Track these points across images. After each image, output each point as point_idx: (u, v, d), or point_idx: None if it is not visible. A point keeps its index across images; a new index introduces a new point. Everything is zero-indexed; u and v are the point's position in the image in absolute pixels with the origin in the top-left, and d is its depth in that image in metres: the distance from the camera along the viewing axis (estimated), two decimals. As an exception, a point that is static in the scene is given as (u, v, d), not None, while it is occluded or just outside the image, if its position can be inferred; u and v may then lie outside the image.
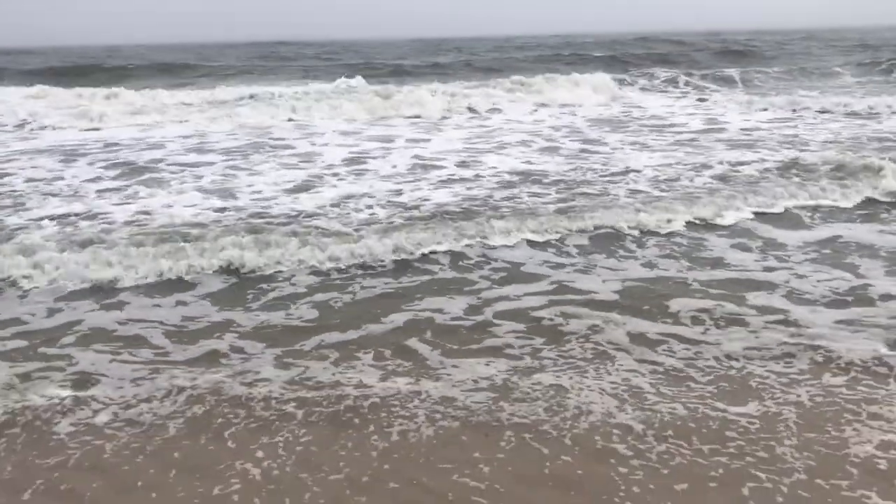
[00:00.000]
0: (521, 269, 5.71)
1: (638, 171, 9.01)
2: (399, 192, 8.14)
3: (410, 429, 3.39)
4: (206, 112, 14.43)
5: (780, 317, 4.59)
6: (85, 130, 13.53)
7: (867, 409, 3.48)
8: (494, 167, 9.51)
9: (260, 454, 3.21)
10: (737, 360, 4.05)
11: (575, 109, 16.56)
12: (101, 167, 9.86)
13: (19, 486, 3.03)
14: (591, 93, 18.23)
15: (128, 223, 6.94)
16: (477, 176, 8.95)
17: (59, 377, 3.98)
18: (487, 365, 4.04)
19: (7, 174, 9.45)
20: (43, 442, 3.35)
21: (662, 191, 8.02)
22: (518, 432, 3.32)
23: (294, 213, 7.23)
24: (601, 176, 8.86)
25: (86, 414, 3.58)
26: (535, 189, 8.19)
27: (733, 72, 23.21)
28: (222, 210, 7.45)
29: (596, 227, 6.61)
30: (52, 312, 4.97)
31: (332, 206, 7.55)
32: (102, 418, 3.54)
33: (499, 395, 3.68)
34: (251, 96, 15.64)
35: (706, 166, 9.27)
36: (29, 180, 9.03)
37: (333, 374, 3.95)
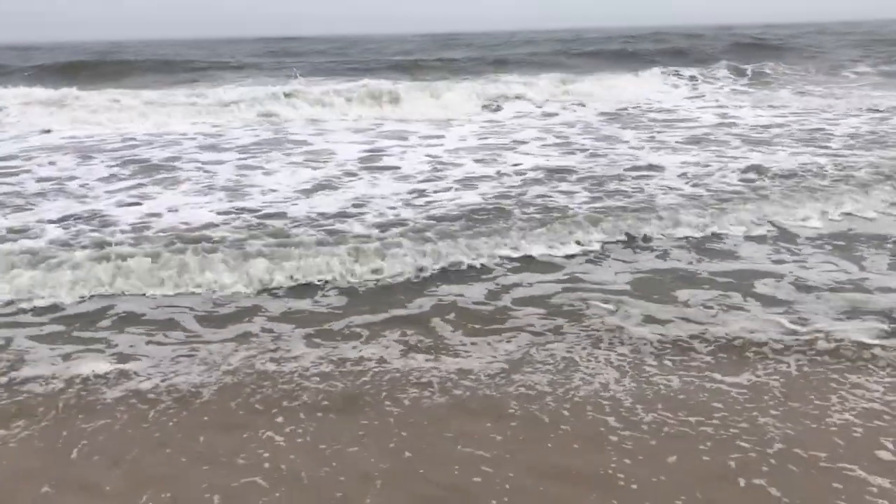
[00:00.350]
0: (534, 257, 5.97)
1: (663, 168, 9.03)
2: (423, 192, 8.08)
3: (424, 398, 3.72)
4: (220, 109, 14.62)
5: (783, 305, 4.83)
6: (101, 128, 13.70)
7: (850, 378, 3.81)
8: (516, 164, 9.53)
9: (280, 419, 3.54)
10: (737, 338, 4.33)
11: (586, 102, 16.75)
12: (119, 166, 9.95)
13: (69, 446, 3.37)
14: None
15: (152, 227, 6.87)
16: (499, 173, 8.98)
17: (101, 357, 4.28)
18: (508, 342, 4.36)
19: (24, 171, 9.68)
20: (91, 406, 3.70)
21: (694, 186, 8.05)
22: (523, 403, 3.63)
23: (315, 216, 7.13)
24: (626, 170, 8.92)
25: (130, 385, 3.92)
26: (564, 187, 8.14)
27: (748, 66, 23.31)
28: (242, 211, 7.40)
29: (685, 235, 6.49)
30: (83, 299, 5.25)
31: (355, 206, 7.49)
32: (145, 386, 3.90)
33: (511, 369, 3.99)
34: (271, 95, 15.76)
35: (734, 161, 9.32)
36: (44, 179, 9.17)
37: (359, 352, 4.27)
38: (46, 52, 39.57)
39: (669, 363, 4.02)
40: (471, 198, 7.77)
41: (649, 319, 4.63)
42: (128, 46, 49.20)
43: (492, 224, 6.66)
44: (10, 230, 6.84)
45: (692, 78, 21.62)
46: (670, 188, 8.04)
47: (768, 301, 4.91)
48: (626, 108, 15.84)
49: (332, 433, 3.41)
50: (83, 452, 3.31)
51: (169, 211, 7.48)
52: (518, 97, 17.17)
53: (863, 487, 2.92)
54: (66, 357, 4.29)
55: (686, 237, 6.40)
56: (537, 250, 6.05)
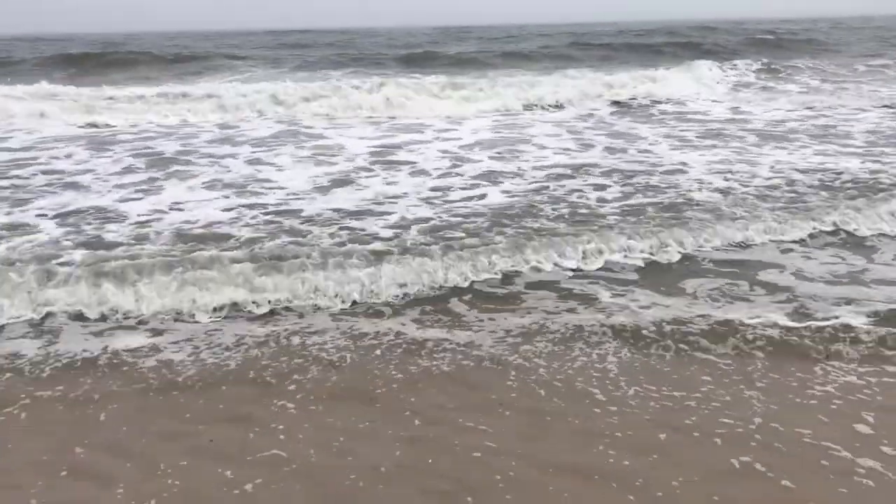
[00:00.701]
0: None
1: (685, 164, 9.04)
2: (447, 189, 7.95)
3: (432, 366, 4.09)
4: (232, 102, 14.71)
5: (785, 294, 5.12)
6: (108, 120, 13.78)
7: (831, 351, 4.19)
8: (536, 160, 9.49)
9: (293, 388, 3.88)
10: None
11: (592, 95, 16.86)
12: (137, 160, 9.92)
13: (98, 410, 3.71)
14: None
15: (168, 226, 6.66)
16: (519, 170, 8.90)
17: (134, 332, 4.62)
18: (520, 320, 4.73)
19: (34, 164, 9.71)
20: (127, 373, 4.06)
21: (726, 179, 8.05)
22: (519, 373, 3.99)
23: (335, 215, 6.95)
24: (652, 166, 8.92)
25: (161, 356, 4.28)
26: (592, 185, 8.03)
27: (763, 61, 23.26)
28: (261, 209, 7.20)
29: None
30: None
31: (375, 204, 7.35)
32: (176, 357, 4.25)
33: (519, 342, 4.35)
34: (283, 88, 15.80)
35: (760, 158, 9.30)
36: (54, 171, 9.16)
37: (377, 327, 4.64)
38: (53, 43, 39.68)
39: (665, 343, 4.33)
40: (496, 196, 7.62)
41: (654, 305, 4.92)
42: (136, 38, 49.36)
43: (522, 222, 6.55)
44: (10, 226, 6.71)
45: (716, 72, 21.33)
46: (701, 184, 7.96)
47: (770, 289, 5.20)
48: (635, 99, 16.00)
49: (344, 402, 3.70)
50: (110, 414, 3.66)
51: (186, 208, 7.33)
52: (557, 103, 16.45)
53: (850, 466, 3.14)
54: (98, 334, 4.60)
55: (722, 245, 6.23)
56: (595, 264, 5.76)
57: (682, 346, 4.29)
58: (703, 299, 5.02)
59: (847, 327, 4.43)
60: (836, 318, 4.58)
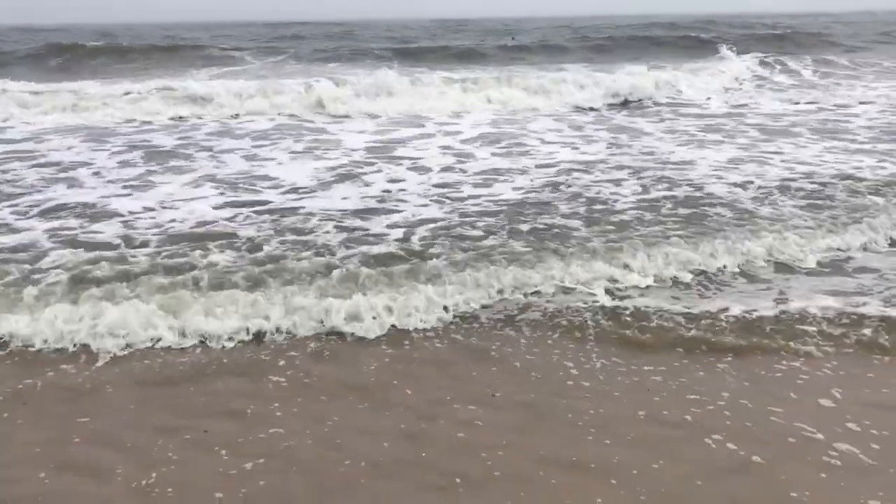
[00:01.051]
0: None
1: (695, 159, 9.06)
2: (454, 186, 7.87)
3: (428, 341, 4.44)
4: (232, 97, 14.53)
5: (766, 283, 5.34)
6: (99, 116, 13.56)
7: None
8: (543, 156, 9.48)
9: (283, 363, 4.18)
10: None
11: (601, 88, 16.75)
12: (135, 153, 9.90)
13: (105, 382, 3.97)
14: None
15: (159, 225, 6.58)
16: (526, 167, 8.85)
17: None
18: (518, 305, 4.98)
19: (29, 158, 9.64)
20: (140, 355, 4.31)
21: (745, 176, 8.02)
22: (502, 348, 4.34)
23: (339, 212, 6.86)
24: (661, 162, 8.90)
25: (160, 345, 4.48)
26: (602, 178, 8.06)
27: (764, 55, 23.23)
28: (261, 208, 7.08)
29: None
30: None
31: (380, 202, 7.25)
32: (188, 341, 4.49)
33: (510, 332, 4.57)
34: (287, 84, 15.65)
35: (769, 154, 9.33)
36: (50, 164, 9.15)
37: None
38: (52, 34, 39.38)
39: (648, 326, 4.59)
40: (508, 193, 7.52)
41: (646, 294, 5.14)
42: (132, 29, 49.12)
43: (539, 221, 6.46)
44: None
45: (731, 64, 21.17)
46: (719, 179, 7.94)
47: (751, 278, 5.43)
48: (635, 94, 15.92)
49: (340, 393, 3.85)
50: (120, 383, 3.94)
51: (185, 205, 7.22)
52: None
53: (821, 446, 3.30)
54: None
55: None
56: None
57: (663, 329, 4.50)
58: (694, 287, 5.22)
59: (816, 313, 4.67)
60: (809, 303, 4.82)
